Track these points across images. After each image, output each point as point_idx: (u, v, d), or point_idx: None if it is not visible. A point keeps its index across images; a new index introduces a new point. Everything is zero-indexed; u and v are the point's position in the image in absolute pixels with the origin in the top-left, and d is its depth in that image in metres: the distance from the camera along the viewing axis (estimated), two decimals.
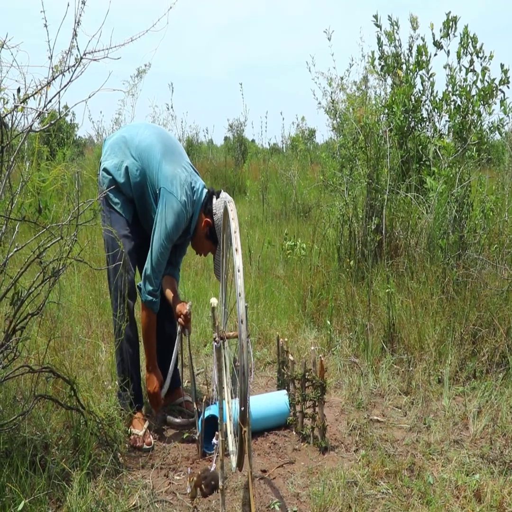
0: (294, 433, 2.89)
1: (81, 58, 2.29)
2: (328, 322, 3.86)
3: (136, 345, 2.89)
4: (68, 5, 2.22)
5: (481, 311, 3.68)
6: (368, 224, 4.39)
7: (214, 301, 1.93)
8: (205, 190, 2.84)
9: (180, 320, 2.79)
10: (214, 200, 2.77)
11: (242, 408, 1.66)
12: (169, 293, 2.88)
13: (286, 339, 3.06)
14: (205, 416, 2.62)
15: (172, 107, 11.51)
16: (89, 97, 2.12)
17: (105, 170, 2.81)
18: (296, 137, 8.80)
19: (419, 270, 4.21)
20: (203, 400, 2.58)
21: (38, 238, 2.26)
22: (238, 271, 1.72)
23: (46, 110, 2.07)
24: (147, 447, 2.72)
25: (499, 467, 2.52)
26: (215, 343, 1.91)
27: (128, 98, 11.26)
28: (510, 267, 4.00)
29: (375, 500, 2.32)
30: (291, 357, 2.88)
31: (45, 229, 2.18)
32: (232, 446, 2.11)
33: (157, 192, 2.70)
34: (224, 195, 2.77)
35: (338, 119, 6.67)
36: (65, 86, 2.26)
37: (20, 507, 1.84)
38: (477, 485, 2.36)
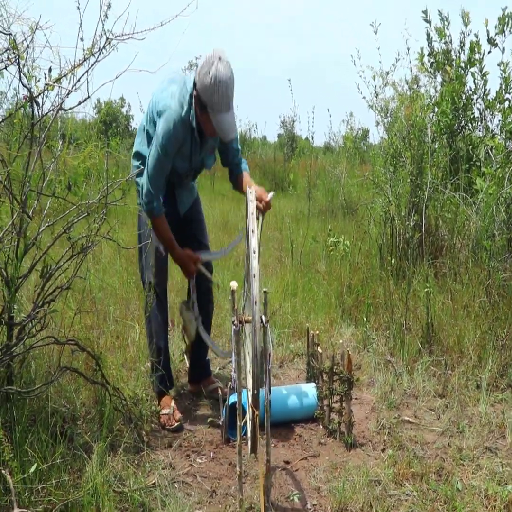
0: (321, 427, 2.79)
1: (108, 40, 2.27)
2: (365, 319, 3.73)
3: (162, 324, 2.84)
4: None
5: None
6: (408, 221, 4.22)
7: (234, 284, 1.87)
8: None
9: (260, 204, 2.62)
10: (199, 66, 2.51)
11: (255, 392, 1.59)
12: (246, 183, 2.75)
13: (317, 332, 2.96)
14: (230, 402, 2.56)
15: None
16: (116, 77, 2.10)
17: (133, 155, 2.82)
18: (347, 135, 8.65)
19: (462, 272, 4.02)
20: (229, 386, 2.52)
21: (68, 215, 2.26)
22: (254, 252, 1.66)
23: (75, 89, 2.05)
24: (176, 424, 2.69)
25: None
26: (234, 327, 1.84)
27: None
28: None
29: (398, 501, 2.20)
30: (319, 350, 2.78)
31: (75, 206, 2.17)
32: (250, 432, 2.04)
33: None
34: (212, 52, 2.43)
35: (388, 118, 6.48)
36: (92, 65, 2.26)
37: (32, 469, 1.83)
38: (509, 496, 2.20)
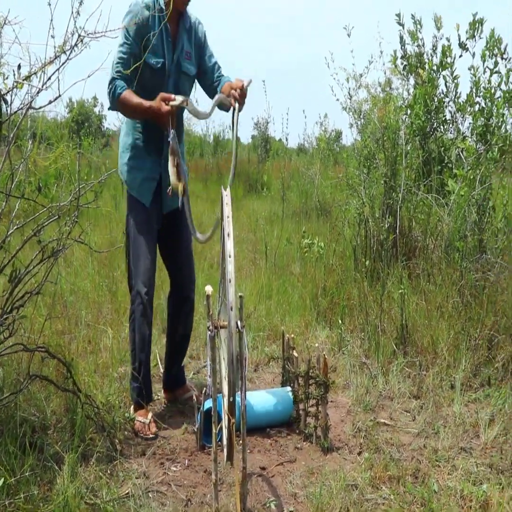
0: (297, 431, 2.77)
1: (80, 38, 2.22)
2: (340, 321, 3.73)
3: (146, 336, 2.74)
4: None
5: (497, 317, 3.52)
6: (383, 224, 4.24)
7: (209, 288, 1.84)
8: None
9: (235, 93, 2.53)
10: None
11: (231, 399, 1.55)
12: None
13: (293, 335, 2.94)
14: (205, 408, 2.52)
15: (196, 102, 11.42)
16: (89, 76, 2.05)
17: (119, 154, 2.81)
18: (320, 137, 8.68)
19: (435, 273, 4.05)
20: (204, 392, 2.48)
21: (38, 217, 2.19)
22: (230, 256, 1.63)
23: (46, 88, 2.00)
24: (151, 435, 2.62)
25: (508, 478, 2.36)
26: (209, 332, 1.81)
27: None
28: None
29: (375, 504, 2.19)
30: (295, 354, 2.76)
31: (45, 209, 2.11)
32: (226, 440, 2.01)
33: None
34: None
35: (361, 120, 6.52)
36: (63, 63, 2.20)
37: (0, 483, 1.76)
38: (484, 496, 2.21)
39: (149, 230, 2.72)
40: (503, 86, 5.01)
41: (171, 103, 2.44)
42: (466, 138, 5.17)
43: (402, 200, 4.30)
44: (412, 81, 5.46)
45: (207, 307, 1.85)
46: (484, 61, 5.04)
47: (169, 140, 2.41)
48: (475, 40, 5.10)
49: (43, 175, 2.28)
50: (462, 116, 5.25)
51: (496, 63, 4.99)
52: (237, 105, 2.56)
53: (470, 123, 5.24)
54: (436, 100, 5.21)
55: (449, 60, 5.24)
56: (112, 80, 2.53)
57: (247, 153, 11.03)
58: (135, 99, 2.51)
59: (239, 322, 1.78)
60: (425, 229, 4.54)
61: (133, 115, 2.62)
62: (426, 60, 5.36)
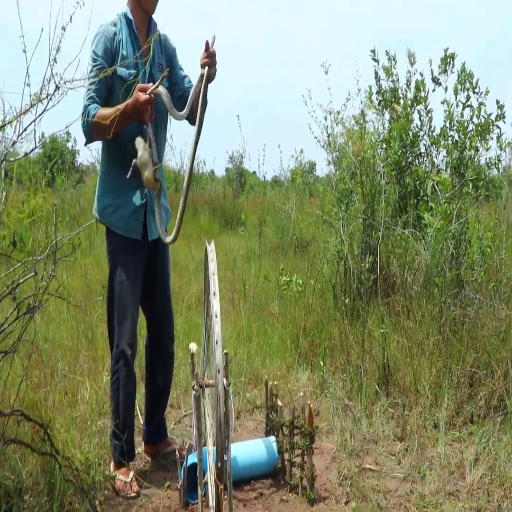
0: (282, 482, 2.77)
1: (57, 87, 2.26)
2: (321, 363, 3.77)
3: (131, 396, 2.73)
4: (42, 30, 2.19)
5: (478, 353, 3.59)
6: (363, 262, 4.32)
7: (193, 346, 1.86)
8: None
9: (204, 60, 2.39)
10: None
11: (219, 464, 1.57)
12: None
13: (276, 382, 2.96)
14: (188, 463, 2.51)
15: (171, 137, 11.62)
16: (67, 127, 2.08)
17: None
18: (295, 170, 8.83)
19: (415, 309, 4.13)
20: (187, 446, 2.48)
21: (13, 272, 2.20)
22: (216, 316, 1.65)
23: (21, 139, 2.03)
24: (133, 494, 2.60)
25: None
26: (194, 392, 1.82)
27: None
28: (508, 306, 3.92)
29: None
30: (279, 403, 2.78)
31: (20, 264, 2.12)
32: (212, 501, 2.01)
33: None
34: None
35: (336, 153, 6.68)
36: (40, 114, 2.23)
37: None
38: None
39: (135, 278, 2.67)
40: (475, 120, 5.22)
41: (149, 91, 2.40)
42: (441, 171, 5.33)
43: (382, 238, 4.39)
44: (387, 115, 5.63)
45: (191, 365, 1.87)
46: (456, 95, 5.24)
47: (148, 131, 2.45)
48: (447, 75, 5.32)
49: (18, 227, 2.28)
50: (436, 149, 5.42)
51: (468, 97, 5.20)
52: (206, 69, 2.39)
53: (444, 156, 5.42)
54: (411, 134, 5.38)
55: (422, 94, 5.44)
56: (85, 107, 2.47)
57: (222, 186, 11.15)
58: (109, 109, 2.44)
59: (224, 380, 1.80)
60: (403, 264, 4.63)
61: (110, 128, 2.36)
62: (401, 95, 5.54)
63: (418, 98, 5.42)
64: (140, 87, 2.42)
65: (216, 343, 1.62)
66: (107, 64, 2.49)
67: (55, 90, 2.24)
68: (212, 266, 1.78)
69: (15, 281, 2.22)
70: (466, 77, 5.20)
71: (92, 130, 2.49)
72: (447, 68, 5.30)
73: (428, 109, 5.48)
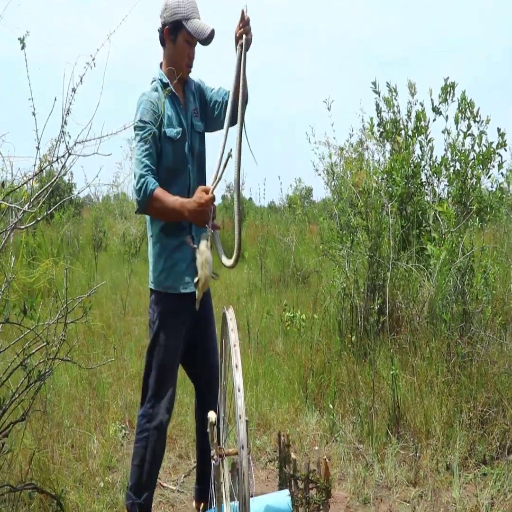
0: None
1: (69, 153, 2.38)
2: (331, 406, 3.86)
3: (159, 459, 2.78)
4: (55, 99, 2.32)
5: (489, 392, 3.69)
6: (372, 305, 4.44)
7: (212, 415, 1.94)
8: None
9: (238, 30, 2.65)
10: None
11: None
12: None
13: (287, 432, 3.05)
14: None
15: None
16: (78, 193, 2.19)
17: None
18: (294, 198, 8.98)
19: (422, 346, 4.23)
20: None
21: (23, 339, 2.29)
22: (239, 390, 1.71)
23: (32, 210, 2.14)
24: None
25: None
26: (214, 461, 1.90)
27: (126, 161, 11.58)
28: None
29: None
30: (293, 456, 2.87)
31: (29, 330, 2.21)
32: None
33: None
34: None
35: (335, 181, 6.85)
36: (52, 182, 2.35)
37: None
38: None
39: (179, 344, 2.75)
40: (476, 148, 5.39)
41: (212, 188, 2.55)
42: (443, 200, 5.48)
43: (389, 279, 4.52)
44: (388, 147, 5.80)
45: (210, 434, 1.95)
46: (457, 124, 5.42)
47: (209, 230, 2.57)
48: (447, 104, 5.51)
49: (27, 294, 2.36)
50: (438, 178, 5.58)
51: (469, 126, 5.38)
52: (244, 38, 2.64)
53: (445, 185, 5.58)
54: (412, 164, 5.54)
55: (423, 124, 5.62)
56: (141, 176, 2.55)
57: (220, 215, 11.27)
58: (171, 198, 2.58)
59: (245, 447, 1.83)
60: (408, 296, 4.75)
61: (165, 213, 2.60)
62: (402, 126, 5.72)
63: (419, 128, 5.59)
64: (204, 188, 2.59)
65: (239, 418, 1.66)
66: (157, 130, 2.63)
67: (65, 154, 2.36)
68: (233, 336, 1.82)
69: (26, 351, 2.30)
70: (467, 106, 5.39)
71: (148, 207, 2.60)
72: (447, 97, 5.49)
73: (428, 138, 5.65)
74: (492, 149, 5.32)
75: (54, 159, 2.40)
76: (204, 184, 2.81)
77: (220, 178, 2.56)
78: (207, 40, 2.72)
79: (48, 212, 2.37)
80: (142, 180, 2.55)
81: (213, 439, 1.93)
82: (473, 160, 5.39)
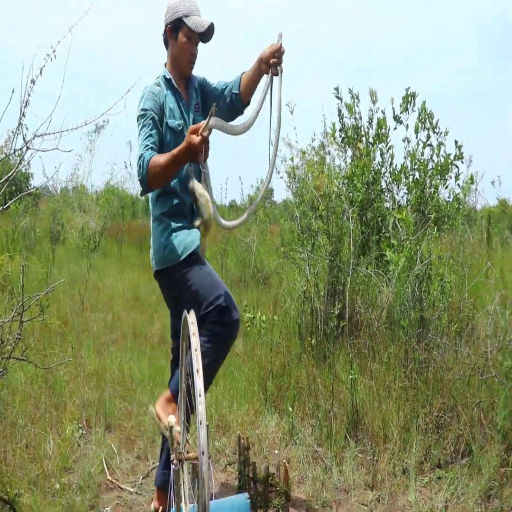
0: None
1: (27, 148, 2.30)
2: (290, 409, 3.86)
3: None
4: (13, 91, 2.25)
5: (444, 398, 3.75)
6: (332, 309, 4.47)
7: (172, 419, 1.90)
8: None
9: (275, 60, 2.67)
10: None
11: None
12: None
13: (247, 434, 3.03)
14: None
15: (130, 165, 11.83)
16: (36, 188, 2.12)
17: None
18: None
19: (381, 350, 4.28)
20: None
21: None
22: (199, 395, 1.68)
23: None
24: None
25: None
26: (173, 466, 1.86)
27: (86, 154, 11.41)
28: (470, 349, 4.12)
29: None
30: (253, 459, 2.85)
31: None
32: None
33: None
34: None
35: (296, 183, 6.87)
36: (7, 177, 2.27)
37: None
38: None
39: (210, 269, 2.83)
40: (435, 158, 5.50)
41: (201, 130, 2.46)
42: (402, 207, 5.56)
43: (349, 284, 4.55)
44: (349, 152, 5.85)
45: (170, 438, 1.91)
46: (417, 134, 5.52)
47: (203, 170, 2.54)
48: (408, 113, 5.60)
49: None
50: (397, 186, 5.66)
51: (428, 136, 5.49)
52: (279, 69, 2.69)
53: (404, 193, 5.67)
54: (373, 171, 5.60)
55: (384, 131, 5.68)
56: (139, 157, 2.56)
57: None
58: (164, 155, 2.54)
59: (205, 453, 1.83)
60: (368, 302, 4.80)
61: (166, 171, 2.54)
62: (363, 133, 5.77)
63: (380, 136, 5.66)
64: (192, 129, 2.50)
65: (200, 423, 1.63)
66: (158, 115, 2.70)
67: (22, 148, 2.28)
68: (194, 341, 1.78)
69: None
70: (427, 117, 5.49)
71: (149, 179, 2.56)
72: (408, 106, 5.58)
73: (389, 146, 5.72)
74: (450, 160, 5.45)
75: (11, 151, 2.32)
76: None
77: (208, 120, 2.46)
78: (206, 35, 2.77)
79: (6, 206, 2.27)
80: (141, 159, 2.55)
81: (173, 443, 1.89)
82: (431, 170, 5.51)
